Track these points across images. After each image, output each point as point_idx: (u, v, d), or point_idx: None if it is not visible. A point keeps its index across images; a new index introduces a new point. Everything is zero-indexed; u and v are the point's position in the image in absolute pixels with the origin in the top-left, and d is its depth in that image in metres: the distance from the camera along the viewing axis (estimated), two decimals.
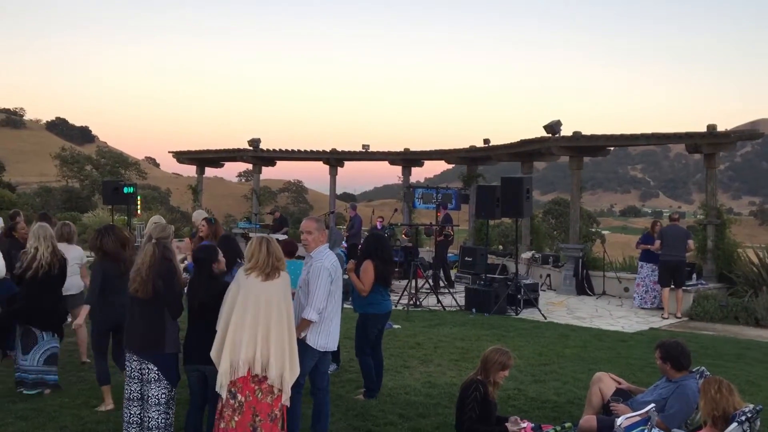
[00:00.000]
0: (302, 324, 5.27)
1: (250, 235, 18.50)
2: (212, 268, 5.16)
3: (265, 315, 4.73)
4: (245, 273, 4.80)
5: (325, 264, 5.35)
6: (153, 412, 5.12)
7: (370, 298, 6.84)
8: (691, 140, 13.82)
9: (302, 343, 5.23)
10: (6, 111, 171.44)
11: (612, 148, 17.33)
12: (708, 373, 5.52)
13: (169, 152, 24.68)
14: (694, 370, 5.54)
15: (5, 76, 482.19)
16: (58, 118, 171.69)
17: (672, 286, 12.45)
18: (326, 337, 5.45)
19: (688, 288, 12.76)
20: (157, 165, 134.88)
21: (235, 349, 4.66)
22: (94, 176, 57.10)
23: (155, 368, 5.11)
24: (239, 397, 4.68)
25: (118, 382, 6.87)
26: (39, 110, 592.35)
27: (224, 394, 4.67)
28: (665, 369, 5.45)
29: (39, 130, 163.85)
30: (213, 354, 4.73)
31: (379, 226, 17.14)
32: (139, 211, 20.43)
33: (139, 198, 18.61)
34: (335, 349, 5.66)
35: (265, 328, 4.72)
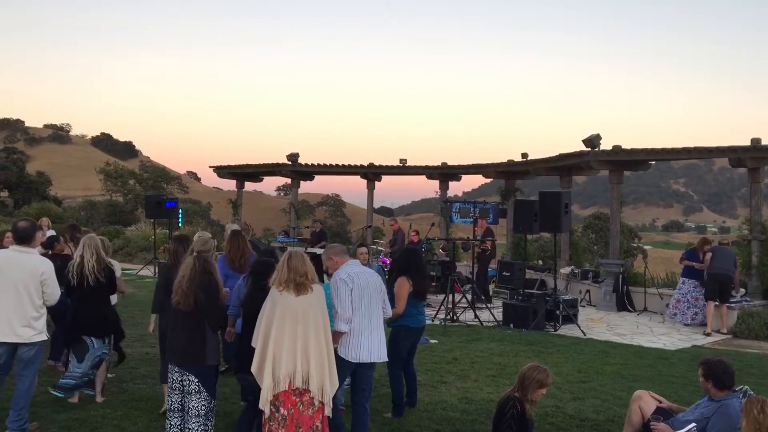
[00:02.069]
0: (335, 337, 5.35)
1: (289, 249, 18.66)
2: (266, 282, 5.27)
3: (303, 329, 4.83)
4: (278, 289, 4.90)
5: (340, 275, 5.50)
6: (193, 423, 5.20)
7: (404, 310, 6.75)
8: (735, 154, 13.55)
9: (335, 356, 5.34)
10: (53, 127, 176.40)
11: (653, 162, 17.05)
12: (752, 392, 5.40)
13: (209, 167, 25.09)
14: (737, 389, 5.42)
15: (53, 93, 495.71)
16: (102, 134, 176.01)
17: (717, 303, 12.20)
18: (357, 350, 5.48)
19: (732, 305, 12.50)
20: (198, 179, 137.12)
21: (276, 364, 4.76)
22: (137, 190, 58.21)
23: (196, 380, 5.20)
24: (282, 410, 4.77)
25: (156, 394, 7.02)
26: (85, 126, 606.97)
27: (268, 409, 4.75)
28: (707, 387, 5.34)
29: (84, 145, 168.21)
30: (254, 369, 4.81)
31: (414, 240, 17.12)
32: (180, 225, 20.75)
33: (180, 211, 18.91)
34: (369, 361, 5.61)
35: (304, 342, 4.81)
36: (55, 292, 6.06)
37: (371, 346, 5.58)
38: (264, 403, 4.74)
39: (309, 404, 4.82)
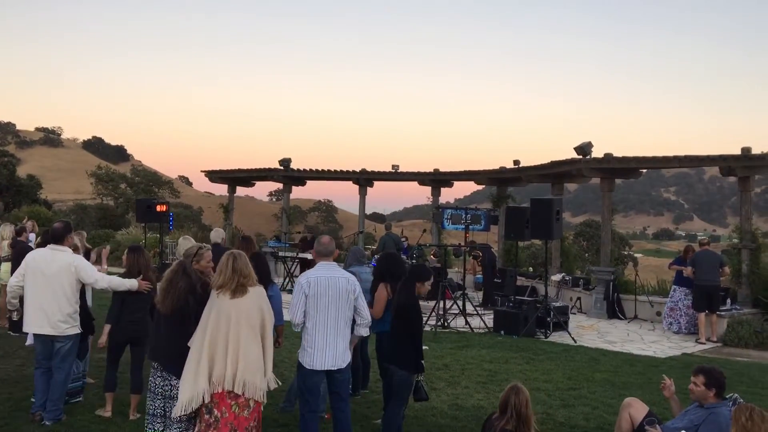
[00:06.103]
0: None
1: (280, 254, 18.61)
2: (417, 286, 5.78)
3: (235, 332, 4.81)
4: (216, 292, 4.87)
5: (301, 279, 5.55)
6: (176, 428, 5.15)
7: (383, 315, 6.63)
8: (725, 163, 13.61)
9: (298, 362, 5.52)
10: (44, 130, 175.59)
11: (644, 170, 17.10)
12: (741, 400, 5.38)
13: (201, 171, 25.12)
14: (727, 397, 5.41)
15: (44, 96, 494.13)
16: (94, 137, 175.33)
17: (706, 312, 12.24)
18: (312, 357, 5.37)
19: (722, 313, 12.53)
20: (190, 184, 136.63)
21: (211, 366, 4.78)
22: (129, 194, 57.97)
23: (178, 383, 5.15)
24: (215, 412, 4.76)
25: (143, 399, 6.94)
26: (76, 129, 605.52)
27: (186, 410, 4.78)
28: (707, 396, 5.26)
29: (75, 148, 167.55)
30: (187, 375, 4.80)
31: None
32: (171, 230, 20.65)
33: (171, 216, 18.78)
34: (323, 369, 5.41)
35: (236, 344, 4.80)
36: (90, 273, 6.54)
37: (326, 354, 5.38)
38: (187, 407, 4.75)
39: (244, 406, 4.81)
